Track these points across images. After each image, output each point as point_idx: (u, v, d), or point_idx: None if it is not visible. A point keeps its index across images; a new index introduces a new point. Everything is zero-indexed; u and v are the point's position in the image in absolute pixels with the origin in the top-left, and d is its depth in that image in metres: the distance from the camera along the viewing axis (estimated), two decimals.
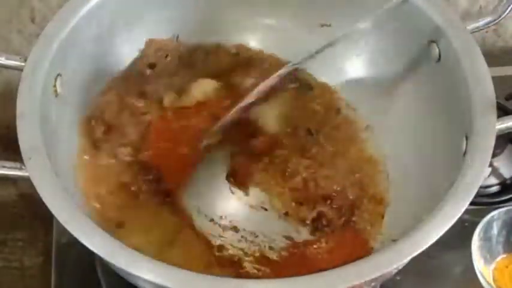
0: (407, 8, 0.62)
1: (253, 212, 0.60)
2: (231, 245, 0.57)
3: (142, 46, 0.66)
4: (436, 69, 0.60)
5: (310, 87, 0.67)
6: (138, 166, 0.59)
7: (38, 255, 0.80)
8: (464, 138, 0.53)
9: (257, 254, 0.57)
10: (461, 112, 0.55)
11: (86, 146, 0.60)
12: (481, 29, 0.60)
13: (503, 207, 0.65)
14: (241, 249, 0.57)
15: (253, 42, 0.70)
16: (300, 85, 0.67)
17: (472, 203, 0.48)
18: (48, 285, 0.65)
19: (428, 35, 0.60)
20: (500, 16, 0.59)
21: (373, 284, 0.48)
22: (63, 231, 0.46)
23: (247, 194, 0.60)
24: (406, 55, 0.64)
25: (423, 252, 0.46)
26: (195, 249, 0.56)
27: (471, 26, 0.60)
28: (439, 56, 0.60)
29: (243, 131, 0.62)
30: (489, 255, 0.64)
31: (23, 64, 0.55)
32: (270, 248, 0.57)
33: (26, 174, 0.49)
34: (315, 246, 0.57)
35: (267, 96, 0.63)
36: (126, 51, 0.65)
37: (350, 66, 0.68)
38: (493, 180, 0.72)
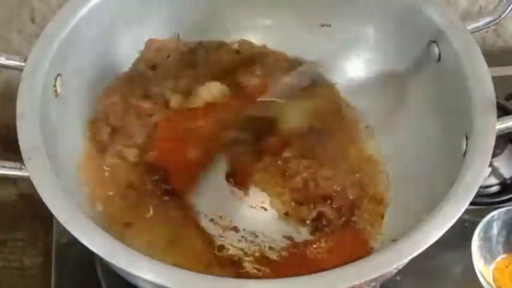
0: (407, 8, 0.62)
1: (253, 212, 0.60)
2: (231, 245, 0.57)
3: (142, 46, 0.66)
4: (436, 69, 0.60)
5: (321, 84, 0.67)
6: (144, 167, 0.60)
7: (38, 255, 0.80)
8: (464, 138, 0.53)
9: (257, 254, 0.57)
10: (461, 112, 0.55)
11: (92, 148, 0.60)
12: (481, 29, 0.60)
13: (503, 207, 0.65)
14: (241, 249, 0.57)
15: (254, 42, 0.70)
16: (311, 82, 0.67)
17: (472, 203, 0.48)
18: (48, 285, 0.65)
19: (428, 35, 0.60)
20: (500, 16, 0.59)
21: (373, 284, 0.48)
22: (63, 231, 0.47)
23: (247, 194, 0.60)
24: (406, 55, 0.64)
25: (423, 252, 0.46)
26: (197, 247, 0.56)
27: (471, 26, 0.60)
28: (439, 56, 0.60)
29: (259, 128, 0.62)
30: (489, 255, 0.64)
31: (23, 64, 0.55)
32: (270, 248, 0.57)
33: (26, 174, 0.49)
34: (315, 246, 0.57)
35: (287, 94, 0.64)
36: (126, 51, 0.65)
37: (350, 66, 0.68)
38: (493, 180, 0.72)
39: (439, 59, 0.60)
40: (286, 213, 0.59)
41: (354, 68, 0.68)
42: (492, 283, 0.62)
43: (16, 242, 0.81)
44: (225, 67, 0.67)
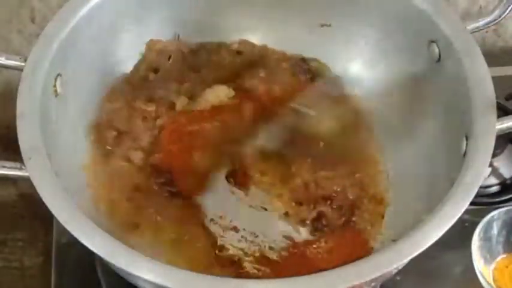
0: (407, 8, 0.62)
1: (253, 212, 0.60)
2: (231, 245, 0.57)
3: (142, 46, 0.66)
4: (436, 69, 0.60)
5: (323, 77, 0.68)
6: (150, 169, 0.60)
7: (38, 255, 0.80)
8: (464, 139, 0.53)
9: (257, 254, 0.57)
10: (461, 112, 0.55)
11: (97, 150, 0.60)
12: (481, 29, 0.60)
13: (503, 207, 0.65)
14: (241, 249, 0.57)
15: (254, 42, 0.70)
16: (313, 76, 0.67)
17: (472, 203, 0.48)
18: (48, 285, 0.65)
19: (428, 35, 0.60)
20: (500, 16, 0.59)
21: (373, 284, 0.48)
22: (63, 231, 0.47)
23: (247, 194, 0.60)
24: (406, 55, 0.64)
25: (423, 252, 0.46)
26: (200, 248, 0.56)
27: (471, 26, 0.60)
28: (439, 56, 0.60)
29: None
30: (489, 255, 0.64)
31: (23, 64, 0.55)
32: (270, 248, 0.57)
33: (26, 174, 0.49)
34: (315, 246, 0.57)
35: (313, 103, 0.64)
36: (127, 51, 0.65)
37: (350, 66, 0.68)
38: (493, 180, 0.72)
39: (439, 59, 0.60)
40: (286, 214, 0.59)
41: (354, 68, 0.68)
42: (492, 283, 0.62)
43: (16, 242, 0.81)
44: (228, 69, 0.67)
